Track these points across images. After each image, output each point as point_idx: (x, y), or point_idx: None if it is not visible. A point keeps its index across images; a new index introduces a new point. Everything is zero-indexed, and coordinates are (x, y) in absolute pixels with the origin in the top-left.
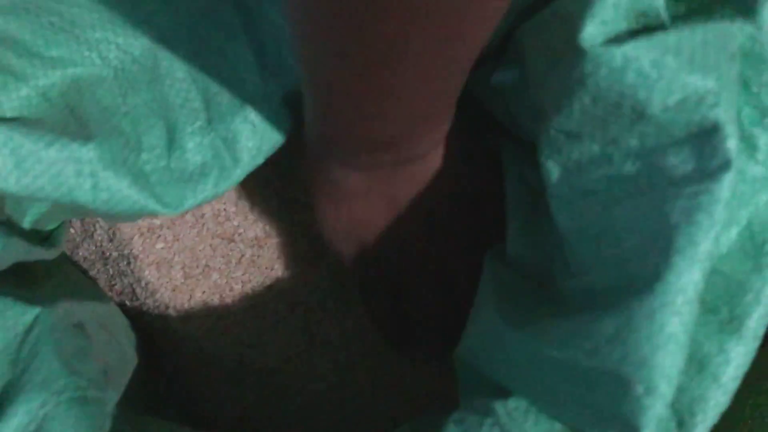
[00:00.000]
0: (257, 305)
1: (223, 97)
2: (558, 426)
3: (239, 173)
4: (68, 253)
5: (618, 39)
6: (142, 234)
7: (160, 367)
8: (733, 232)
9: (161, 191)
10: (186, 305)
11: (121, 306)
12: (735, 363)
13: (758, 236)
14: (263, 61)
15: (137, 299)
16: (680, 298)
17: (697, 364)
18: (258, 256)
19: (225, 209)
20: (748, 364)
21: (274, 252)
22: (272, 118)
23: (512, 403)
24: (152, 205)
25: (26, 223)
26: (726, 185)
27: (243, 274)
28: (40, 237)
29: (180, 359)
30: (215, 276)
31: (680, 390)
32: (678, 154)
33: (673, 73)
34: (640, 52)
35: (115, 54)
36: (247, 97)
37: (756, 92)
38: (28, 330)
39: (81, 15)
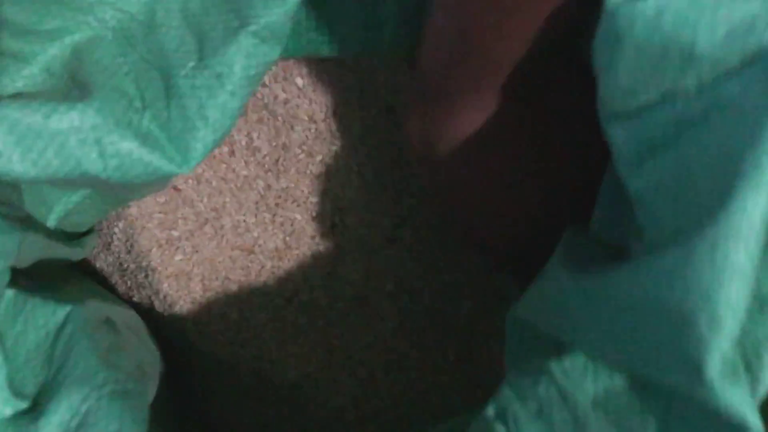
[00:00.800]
0: (277, 318)
1: (217, 30)
2: (618, 380)
3: (236, 107)
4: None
5: None
6: (160, 246)
7: (178, 382)
8: None
9: (169, 148)
10: (205, 318)
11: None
12: None
13: None
14: None
15: (155, 312)
16: (745, 226)
17: (759, 302)
18: (278, 268)
19: (245, 220)
20: None
21: (294, 264)
22: (267, 41)
23: (568, 361)
24: (165, 165)
25: (51, 221)
26: None
27: (262, 287)
28: (68, 239)
29: (198, 373)
30: (234, 288)
31: (744, 332)
32: (740, 84)
33: (713, 7)
34: None
35: (111, 14)
36: (242, 25)
37: None
38: (61, 327)
39: None
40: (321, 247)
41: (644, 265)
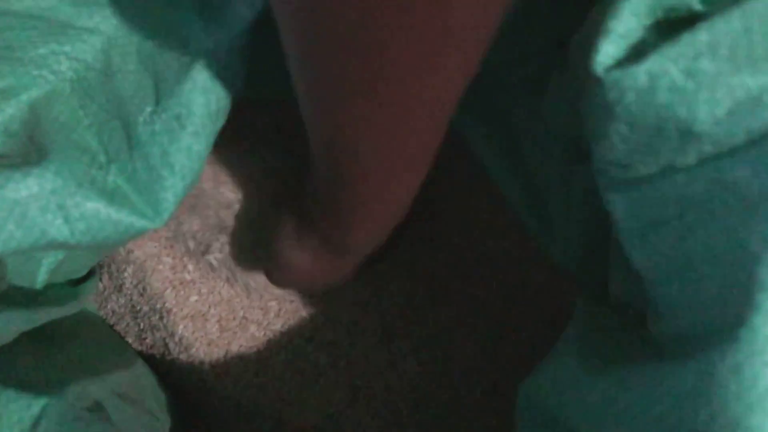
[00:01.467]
0: (297, 359)
1: (171, 70)
2: None
3: (202, 148)
4: (96, 306)
5: (640, 52)
6: (174, 287)
7: (195, 426)
8: None
9: (138, 202)
10: (222, 360)
11: (152, 361)
12: None
13: None
14: (205, 14)
15: (170, 354)
16: None
17: None
18: (299, 307)
19: None
20: None
21: (316, 302)
22: (222, 72)
23: None
24: (136, 221)
25: (40, 282)
26: None
27: (281, 326)
28: (62, 290)
29: (216, 417)
30: (253, 328)
31: None
32: (748, 166)
33: (713, 78)
34: (667, 64)
35: (67, 65)
36: (193, 58)
37: None
38: (35, 424)
39: (17, 37)
40: (341, 285)
41: (663, 379)
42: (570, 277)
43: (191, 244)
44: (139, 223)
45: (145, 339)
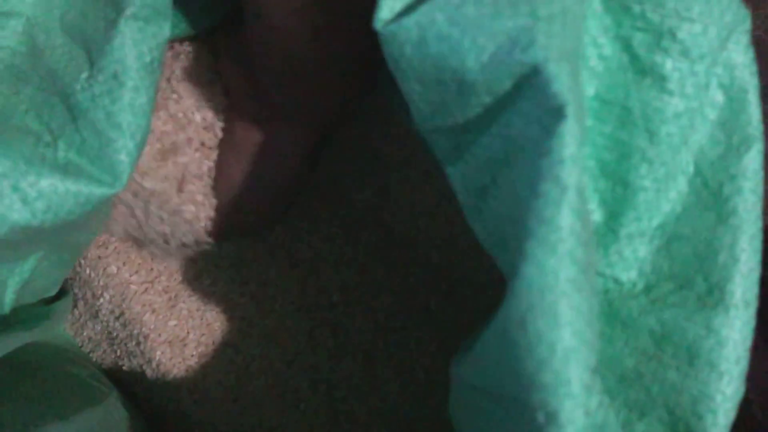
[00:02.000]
0: (277, 384)
1: (98, 32)
2: None
3: (145, 102)
4: (72, 333)
5: (414, 4)
6: (154, 311)
7: None
8: (682, 184)
9: (94, 170)
10: (200, 386)
11: (129, 388)
12: (731, 341)
13: (712, 180)
14: None
15: (147, 381)
16: (550, 297)
17: (686, 354)
18: (279, 328)
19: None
20: (748, 337)
21: (299, 323)
22: (149, 20)
23: None
24: (96, 189)
25: (8, 304)
26: (567, 137)
27: (261, 351)
28: (34, 311)
29: None
30: (231, 353)
31: (676, 391)
32: (519, 117)
33: (476, 23)
34: (434, 14)
35: None
36: (118, 12)
37: (639, 11)
38: None
39: None
40: (322, 309)
41: (478, 348)
42: None
43: None
44: (98, 190)
45: (122, 366)
